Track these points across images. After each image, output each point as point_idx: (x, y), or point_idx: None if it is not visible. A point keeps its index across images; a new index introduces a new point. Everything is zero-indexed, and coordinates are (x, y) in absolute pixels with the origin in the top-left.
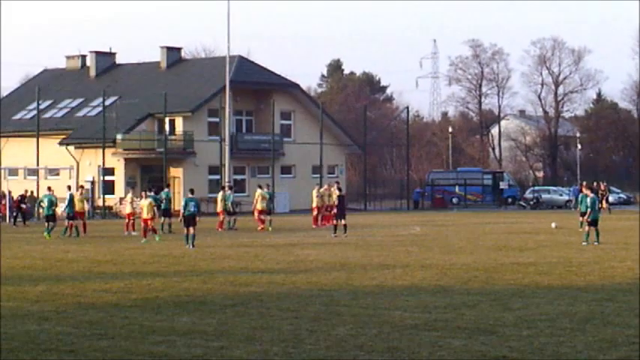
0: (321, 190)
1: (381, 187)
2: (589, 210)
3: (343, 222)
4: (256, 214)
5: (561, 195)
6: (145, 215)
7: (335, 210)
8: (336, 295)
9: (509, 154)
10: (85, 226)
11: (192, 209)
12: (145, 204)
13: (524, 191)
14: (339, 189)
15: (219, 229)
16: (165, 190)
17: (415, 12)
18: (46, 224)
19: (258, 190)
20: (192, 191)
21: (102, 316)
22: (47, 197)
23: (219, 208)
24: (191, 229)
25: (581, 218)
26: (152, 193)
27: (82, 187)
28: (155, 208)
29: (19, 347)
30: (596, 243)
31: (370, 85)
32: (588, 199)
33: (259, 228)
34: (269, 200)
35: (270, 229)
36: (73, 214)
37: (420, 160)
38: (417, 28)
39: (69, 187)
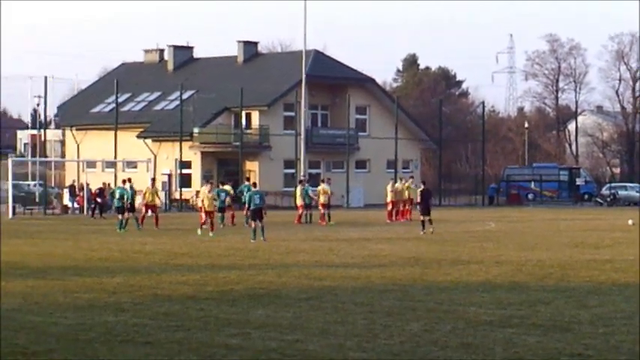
0: (396, 185)
1: (455, 182)
2: None
3: (428, 217)
4: (320, 208)
5: (638, 192)
6: (207, 207)
7: (420, 205)
8: (411, 290)
9: (586, 150)
10: (157, 219)
11: (257, 202)
12: (209, 196)
13: (600, 188)
14: (424, 183)
15: (297, 223)
16: (246, 183)
17: (491, 6)
18: (119, 216)
19: (321, 185)
20: (255, 184)
21: (178, 308)
22: (119, 190)
23: (299, 202)
24: (259, 223)
25: None
26: (227, 187)
27: (153, 179)
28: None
29: (96, 338)
30: None
31: (446, 79)
32: None
33: (321, 223)
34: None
35: (332, 223)
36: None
37: (495, 156)
38: (494, 22)
39: (129, 180)
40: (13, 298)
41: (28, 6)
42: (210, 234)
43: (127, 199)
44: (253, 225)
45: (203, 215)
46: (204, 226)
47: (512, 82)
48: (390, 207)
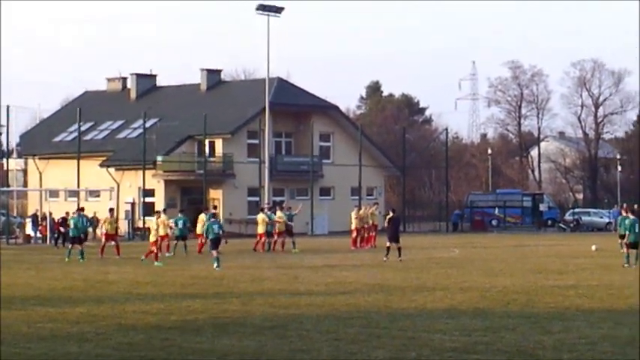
0: (361, 211)
1: (419, 208)
2: (627, 233)
3: (397, 245)
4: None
5: (602, 217)
6: (161, 233)
7: (388, 232)
8: (375, 318)
9: (549, 176)
10: (117, 247)
11: (216, 231)
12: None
13: (564, 213)
14: (393, 210)
15: (260, 250)
16: (211, 211)
17: (454, 33)
18: (70, 246)
19: (278, 213)
20: (214, 215)
21: (142, 337)
22: (73, 219)
23: (261, 229)
24: (214, 252)
25: (620, 240)
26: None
27: (111, 209)
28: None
29: None
30: (634, 266)
31: (409, 106)
32: (627, 221)
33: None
34: (288, 221)
35: (295, 250)
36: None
37: (459, 182)
38: (456, 49)
39: (111, 210)
40: None
41: None
42: (156, 263)
43: (82, 228)
44: (215, 254)
45: (153, 247)
46: (157, 255)
47: (475, 109)
48: (354, 234)
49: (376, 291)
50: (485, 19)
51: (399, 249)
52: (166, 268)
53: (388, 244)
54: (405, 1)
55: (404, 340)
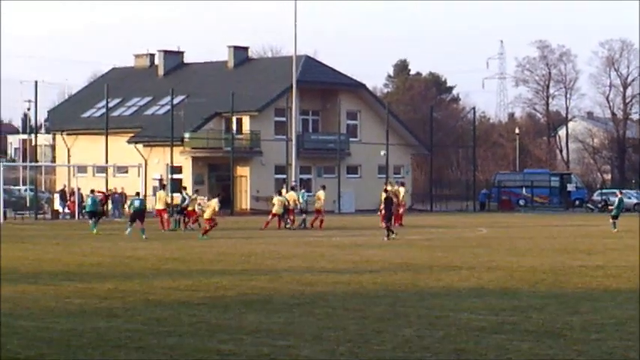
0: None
1: (447, 188)
2: None
3: (389, 224)
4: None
5: (630, 198)
6: (206, 215)
7: (384, 212)
8: (402, 296)
9: (577, 156)
10: (164, 222)
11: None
12: (210, 203)
13: (591, 194)
14: (386, 190)
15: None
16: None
17: (482, 12)
18: (91, 220)
19: (292, 192)
20: (137, 194)
21: (170, 313)
22: (91, 198)
23: (275, 210)
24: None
25: None
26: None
27: (163, 185)
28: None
29: (87, 344)
30: None
31: (436, 85)
32: None
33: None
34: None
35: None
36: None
37: (486, 162)
38: (484, 29)
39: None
40: (4, 304)
41: (19, 10)
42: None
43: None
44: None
45: (207, 224)
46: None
47: (502, 88)
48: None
49: (403, 269)
50: None
51: (389, 228)
52: (194, 244)
53: (384, 224)
54: None
55: (431, 319)
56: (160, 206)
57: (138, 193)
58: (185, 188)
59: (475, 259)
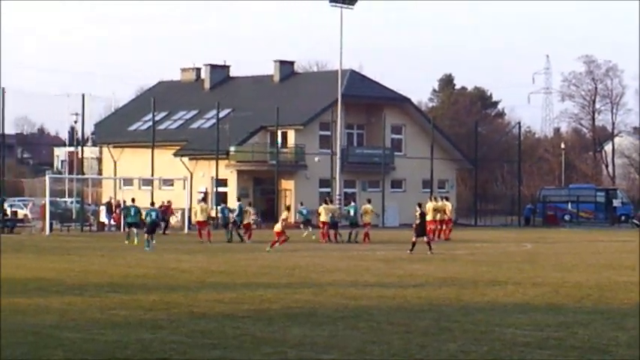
0: (434, 204)
1: (491, 202)
2: None
3: (425, 239)
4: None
5: None
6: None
7: (416, 226)
8: (447, 311)
9: (623, 172)
10: (204, 234)
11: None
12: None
13: (637, 209)
14: (419, 205)
15: (325, 241)
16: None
17: (528, 27)
18: (128, 230)
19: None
20: (152, 204)
21: (214, 326)
22: (133, 207)
23: (323, 218)
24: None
25: None
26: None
27: (204, 198)
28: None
29: (132, 355)
30: None
31: (481, 99)
32: None
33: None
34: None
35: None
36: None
37: (531, 177)
38: (530, 43)
39: (238, 198)
40: (51, 315)
41: (67, 23)
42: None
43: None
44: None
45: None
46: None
47: (548, 103)
48: (432, 226)
49: (447, 284)
50: (559, 13)
51: (428, 243)
52: (239, 257)
53: (415, 239)
54: None
55: (475, 334)
56: (200, 218)
57: (153, 204)
58: (239, 199)
59: (520, 274)
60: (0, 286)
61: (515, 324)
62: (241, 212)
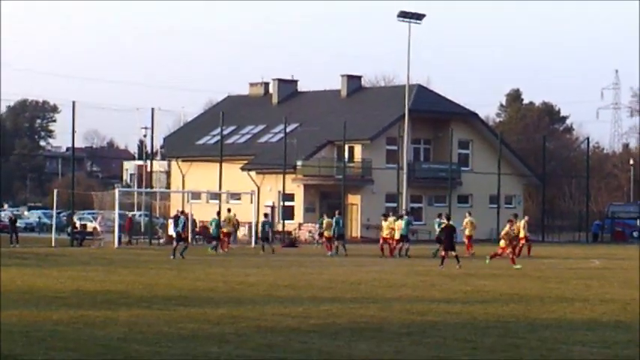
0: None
1: (559, 218)
2: None
3: (454, 253)
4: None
5: None
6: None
7: (444, 241)
8: (514, 327)
9: None
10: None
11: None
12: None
13: None
14: (448, 218)
15: (390, 256)
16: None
17: (597, 42)
18: (213, 242)
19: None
20: (179, 214)
21: (281, 340)
22: (214, 220)
23: (396, 235)
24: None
25: None
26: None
27: (228, 210)
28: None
29: None
30: None
31: (549, 115)
32: None
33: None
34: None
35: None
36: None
37: (599, 192)
38: (599, 58)
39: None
40: (119, 327)
41: (136, 38)
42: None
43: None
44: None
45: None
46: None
47: (617, 119)
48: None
49: (514, 300)
50: (629, 28)
51: (457, 257)
52: (304, 271)
53: (443, 253)
54: (547, 10)
55: (542, 351)
56: (225, 229)
57: (178, 215)
58: (322, 215)
59: (588, 290)
60: (0, 289)
61: (583, 341)
62: (217, 224)
